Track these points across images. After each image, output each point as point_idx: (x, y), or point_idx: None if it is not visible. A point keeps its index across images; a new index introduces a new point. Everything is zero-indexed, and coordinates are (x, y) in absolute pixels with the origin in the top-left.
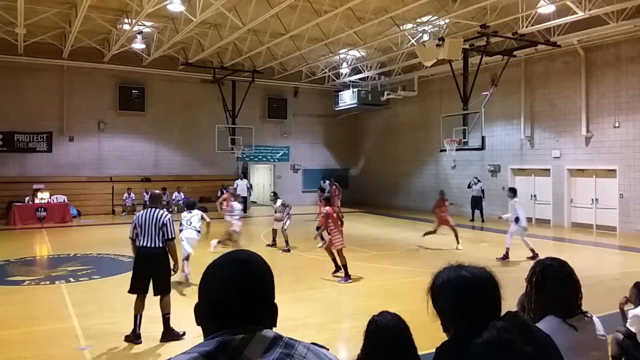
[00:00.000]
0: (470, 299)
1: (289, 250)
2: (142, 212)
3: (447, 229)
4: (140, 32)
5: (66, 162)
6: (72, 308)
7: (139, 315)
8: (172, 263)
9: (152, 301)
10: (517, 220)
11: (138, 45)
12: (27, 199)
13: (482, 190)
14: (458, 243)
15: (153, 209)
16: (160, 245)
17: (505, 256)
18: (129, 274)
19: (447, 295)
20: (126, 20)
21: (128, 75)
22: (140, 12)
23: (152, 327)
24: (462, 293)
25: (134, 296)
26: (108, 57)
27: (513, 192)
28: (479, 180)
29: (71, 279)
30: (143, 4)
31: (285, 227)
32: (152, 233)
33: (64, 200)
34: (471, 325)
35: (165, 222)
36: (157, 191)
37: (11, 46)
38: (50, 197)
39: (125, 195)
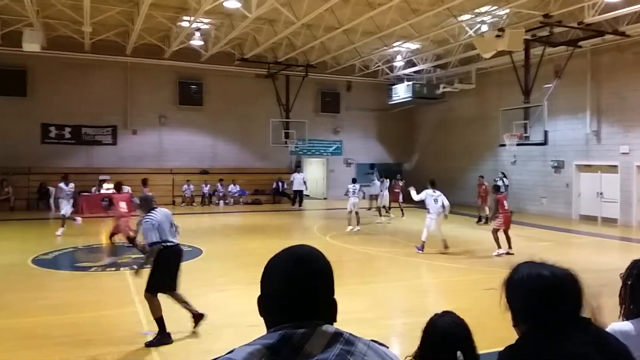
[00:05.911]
0: (547, 302)
1: None
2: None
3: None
4: (199, 29)
5: (130, 155)
6: (136, 294)
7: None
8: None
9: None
10: None
11: (196, 41)
12: (93, 189)
13: (507, 186)
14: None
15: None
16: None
17: None
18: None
19: (522, 292)
20: (185, 18)
21: (187, 71)
22: (198, 9)
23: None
24: (539, 294)
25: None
26: (168, 53)
27: None
28: (505, 176)
29: (135, 266)
30: (201, 1)
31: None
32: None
33: (128, 191)
34: (545, 328)
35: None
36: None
37: (78, 44)
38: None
39: (185, 186)
